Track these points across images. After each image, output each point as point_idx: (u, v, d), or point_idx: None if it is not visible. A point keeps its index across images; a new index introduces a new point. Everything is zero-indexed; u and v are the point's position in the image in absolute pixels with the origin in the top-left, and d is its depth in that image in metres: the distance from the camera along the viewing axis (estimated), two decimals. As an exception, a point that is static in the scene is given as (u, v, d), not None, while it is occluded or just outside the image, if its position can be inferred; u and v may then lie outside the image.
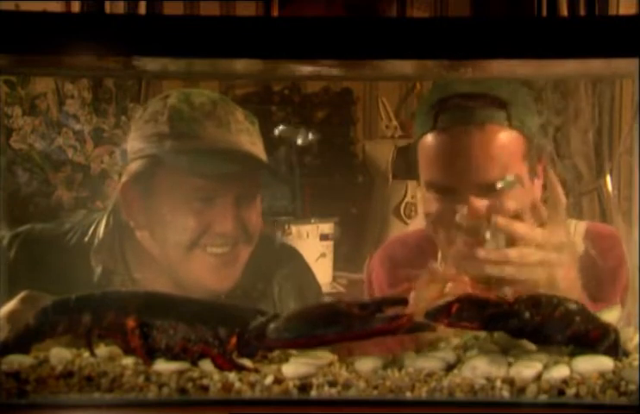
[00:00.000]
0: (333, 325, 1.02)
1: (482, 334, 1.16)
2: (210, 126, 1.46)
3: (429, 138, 1.46)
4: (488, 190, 1.42)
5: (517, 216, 1.42)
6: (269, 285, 1.58)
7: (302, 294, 1.61)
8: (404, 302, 1.05)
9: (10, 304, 1.23)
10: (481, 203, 1.42)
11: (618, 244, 1.44)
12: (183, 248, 1.46)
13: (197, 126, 1.46)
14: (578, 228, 1.55)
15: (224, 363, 1.04)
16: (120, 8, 2.43)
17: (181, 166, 1.45)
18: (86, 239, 1.52)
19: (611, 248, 1.45)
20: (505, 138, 1.44)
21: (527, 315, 1.05)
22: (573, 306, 1.07)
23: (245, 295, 1.51)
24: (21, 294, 1.25)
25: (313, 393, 1.01)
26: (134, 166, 1.49)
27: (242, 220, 1.48)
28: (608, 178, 1.40)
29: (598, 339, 1.07)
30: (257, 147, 1.51)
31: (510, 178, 1.44)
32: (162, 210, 1.47)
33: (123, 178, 1.51)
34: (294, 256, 1.69)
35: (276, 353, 1.09)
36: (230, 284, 1.49)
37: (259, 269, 1.56)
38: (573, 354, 1.06)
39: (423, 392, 1.01)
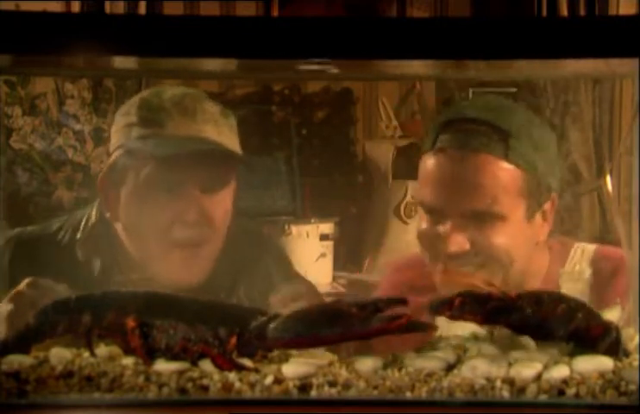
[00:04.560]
0: (332, 325, 1.02)
1: (482, 333, 1.16)
2: (175, 114, 1.48)
3: (427, 157, 1.45)
4: (474, 219, 1.39)
5: (506, 253, 1.40)
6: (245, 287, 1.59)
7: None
8: (403, 302, 1.05)
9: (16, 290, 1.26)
10: (463, 236, 1.39)
11: (625, 266, 1.41)
12: (151, 240, 1.48)
13: (163, 114, 1.48)
14: (586, 251, 1.51)
15: (224, 363, 1.04)
16: (120, 8, 2.42)
17: (143, 151, 1.47)
18: (79, 235, 1.53)
19: (618, 271, 1.43)
20: (499, 170, 1.39)
21: (529, 310, 1.05)
22: (575, 303, 1.08)
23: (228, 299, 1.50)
24: (27, 280, 1.27)
25: (313, 393, 1.01)
26: (109, 159, 1.53)
27: (207, 211, 1.48)
28: (608, 178, 1.39)
29: (599, 336, 1.07)
30: (225, 137, 1.51)
31: None
32: (132, 201, 1.49)
33: (101, 173, 1.54)
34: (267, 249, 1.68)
35: (276, 353, 1.09)
36: (200, 278, 1.48)
37: (235, 271, 1.56)
38: (573, 354, 1.06)
39: (423, 392, 1.01)
